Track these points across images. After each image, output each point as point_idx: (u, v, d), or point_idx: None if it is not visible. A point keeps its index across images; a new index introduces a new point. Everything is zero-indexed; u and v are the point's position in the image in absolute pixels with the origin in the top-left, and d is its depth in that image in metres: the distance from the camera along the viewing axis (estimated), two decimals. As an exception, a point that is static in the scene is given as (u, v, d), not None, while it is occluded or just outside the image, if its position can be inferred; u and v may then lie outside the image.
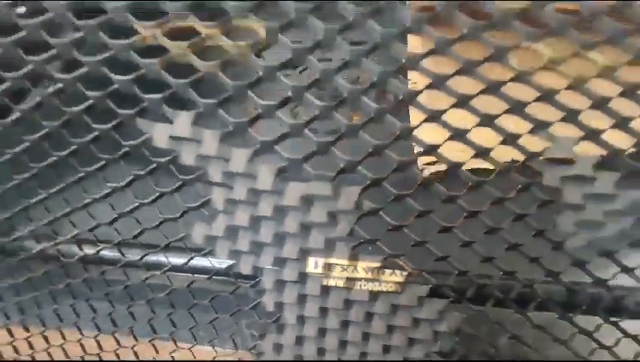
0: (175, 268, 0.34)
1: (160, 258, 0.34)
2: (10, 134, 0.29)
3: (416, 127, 0.25)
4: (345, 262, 0.30)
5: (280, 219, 0.29)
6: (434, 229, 0.28)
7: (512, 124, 0.27)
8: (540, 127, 0.26)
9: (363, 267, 0.30)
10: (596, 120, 0.27)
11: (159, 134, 0.27)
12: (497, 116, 0.26)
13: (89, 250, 0.34)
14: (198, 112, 0.26)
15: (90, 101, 0.26)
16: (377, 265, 0.30)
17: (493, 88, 0.26)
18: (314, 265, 0.30)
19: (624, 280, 0.30)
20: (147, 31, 0.24)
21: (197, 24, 0.24)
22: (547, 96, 0.26)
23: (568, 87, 0.26)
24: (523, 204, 0.28)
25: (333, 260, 0.30)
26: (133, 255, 0.33)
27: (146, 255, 0.33)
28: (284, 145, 0.27)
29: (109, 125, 0.27)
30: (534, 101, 0.26)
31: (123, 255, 0.34)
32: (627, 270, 0.29)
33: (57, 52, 0.25)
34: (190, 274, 0.34)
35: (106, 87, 0.26)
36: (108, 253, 0.34)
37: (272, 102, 0.25)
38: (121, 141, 0.27)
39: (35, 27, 0.24)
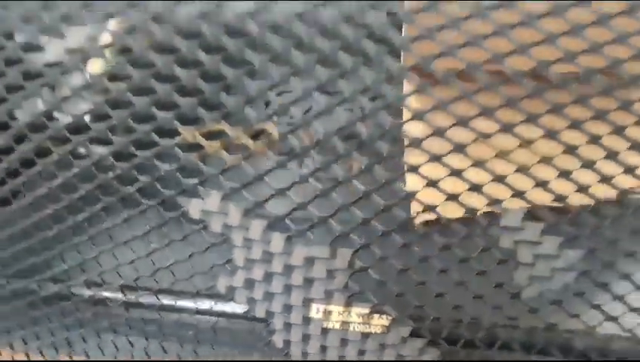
0: (201, 311, 0.41)
1: (190, 302, 0.41)
2: (72, 207, 0.36)
3: (392, 206, 0.32)
4: (341, 308, 0.37)
5: (288, 274, 0.35)
6: (412, 282, 0.35)
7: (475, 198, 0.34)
8: (494, 203, 0.34)
9: (356, 312, 0.37)
10: (540, 195, 0.34)
11: (194, 208, 0.34)
12: (460, 194, 0.33)
13: (131, 295, 0.41)
14: (225, 192, 0.33)
15: (141, 183, 0.34)
16: (367, 311, 0.36)
17: (455, 173, 0.33)
18: (316, 310, 0.37)
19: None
20: (187, 133, 0.32)
21: (226, 127, 0.32)
22: (499, 179, 0.33)
23: (517, 171, 0.33)
24: (485, 261, 0.35)
25: (331, 307, 0.37)
26: (167, 300, 0.40)
27: (177, 300, 0.40)
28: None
29: (156, 201, 0.34)
30: (490, 181, 0.33)
31: (158, 299, 0.41)
32: (572, 316, 0.36)
33: (119, 148, 0.32)
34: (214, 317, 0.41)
35: (152, 172, 0.34)
36: (146, 298, 0.41)
37: (283, 185, 0.32)
38: (164, 212, 0.35)
39: (102, 131, 0.32)
